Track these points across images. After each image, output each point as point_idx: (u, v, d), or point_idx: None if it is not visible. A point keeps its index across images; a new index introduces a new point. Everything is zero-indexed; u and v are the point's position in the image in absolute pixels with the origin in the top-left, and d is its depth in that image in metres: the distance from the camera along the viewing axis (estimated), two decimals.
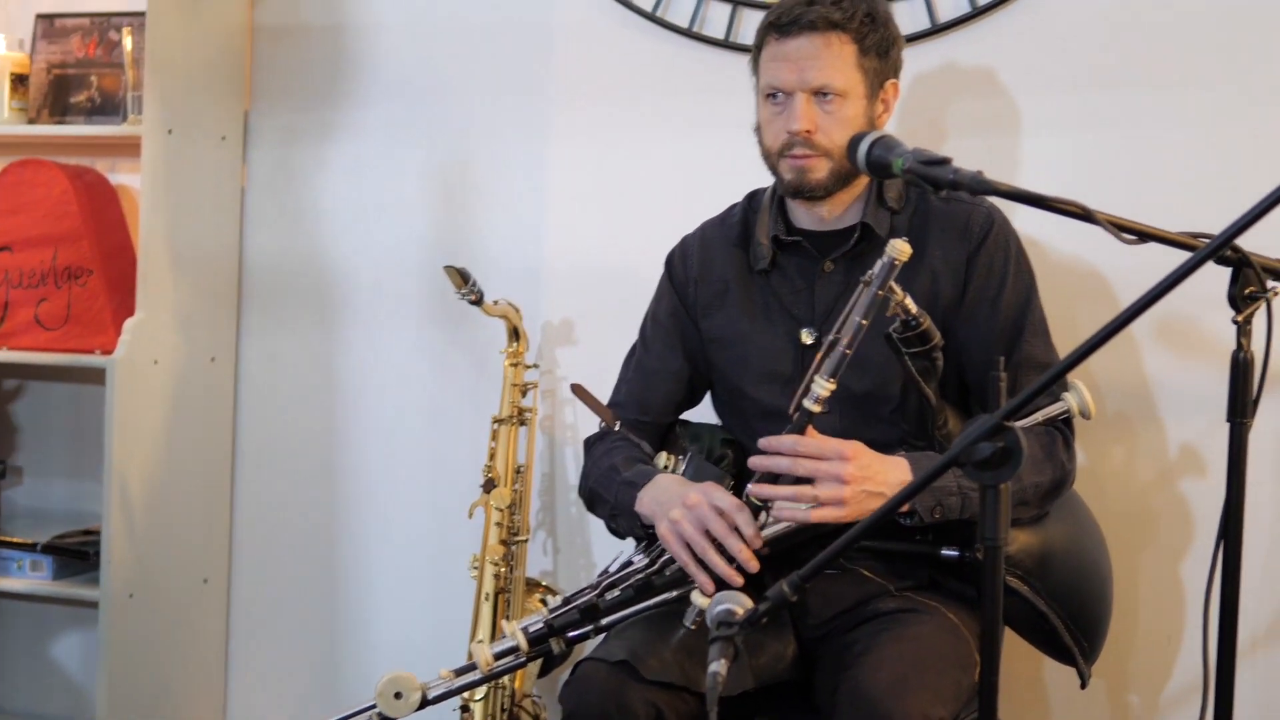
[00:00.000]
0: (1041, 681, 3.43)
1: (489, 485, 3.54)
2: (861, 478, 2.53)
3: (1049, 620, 2.73)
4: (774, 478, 2.58)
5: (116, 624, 3.77)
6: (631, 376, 3.14)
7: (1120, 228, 2.15)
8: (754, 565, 2.55)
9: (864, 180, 2.85)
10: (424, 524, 4.01)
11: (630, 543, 2.91)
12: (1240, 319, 2.28)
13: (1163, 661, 3.36)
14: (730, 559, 2.55)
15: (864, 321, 2.48)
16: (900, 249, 2.44)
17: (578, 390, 3.04)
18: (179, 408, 3.92)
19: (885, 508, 1.96)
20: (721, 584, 2.53)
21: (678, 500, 2.64)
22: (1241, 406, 2.29)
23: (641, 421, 3.07)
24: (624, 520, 2.85)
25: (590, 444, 3.12)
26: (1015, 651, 3.12)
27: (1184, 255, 1.88)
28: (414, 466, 4.02)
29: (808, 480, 2.54)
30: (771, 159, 2.84)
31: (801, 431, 2.56)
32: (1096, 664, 2.88)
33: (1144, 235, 2.21)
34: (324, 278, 4.06)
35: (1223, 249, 1.79)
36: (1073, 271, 3.33)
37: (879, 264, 2.46)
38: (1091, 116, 3.34)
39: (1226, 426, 2.29)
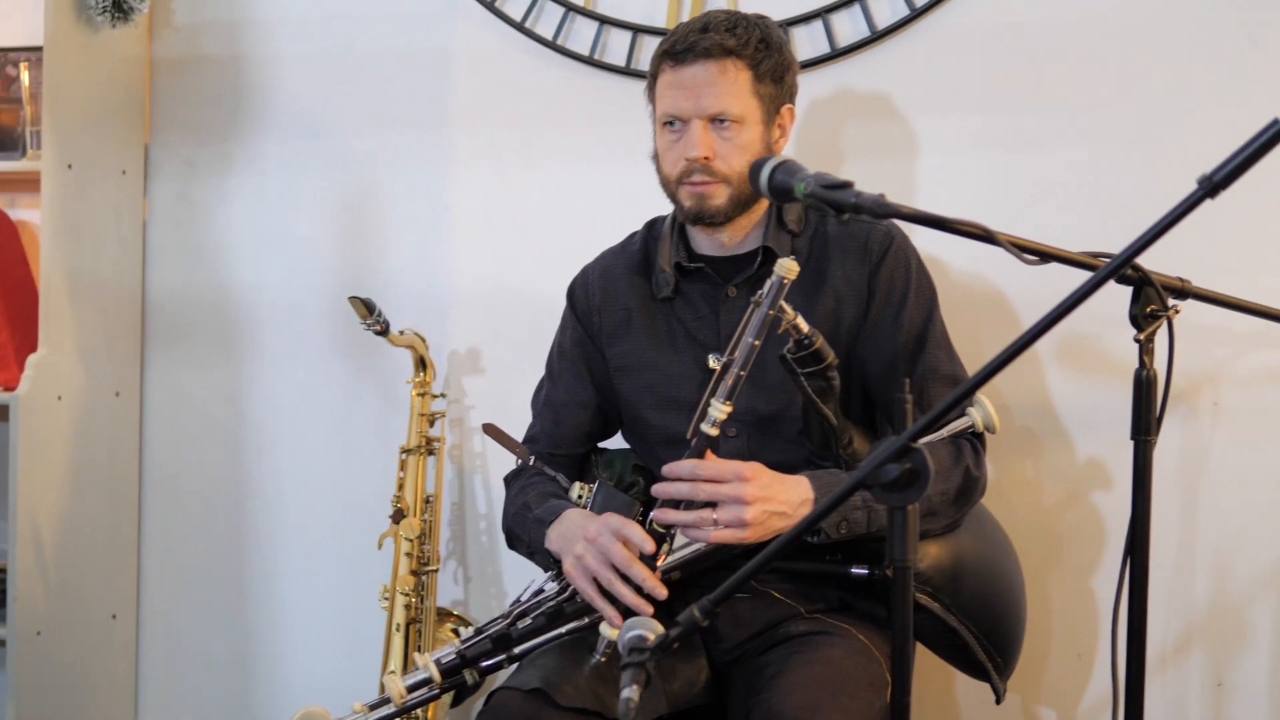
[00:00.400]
0: (955, 699, 3.44)
1: (398, 516, 3.53)
2: (762, 498, 2.52)
3: (961, 636, 2.73)
4: (677, 504, 2.58)
5: (24, 662, 3.71)
6: (542, 410, 3.13)
7: (1021, 248, 2.16)
8: (661, 591, 2.55)
9: (764, 205, 2.85)
10: (334, 556, 3.98)
11: (540, 570, 2.90)
12: (1142, 337, 2.31)
13: (1076, 676, 3.38)
14: (637, 588, 2.55)
15: (756, 342, 2.48)
16: (788, 268, 2.44)
17: (490, 429, 3.02)
18: (84, 443, 3.87)
19: (795, 530, 1.96)
20: (630, 614, 2.53)
21: (579, 535, 2.64)
22: (1145, 424, 2.32)
23: (555, 455, 3.07)
24: (540, 558, 2.86)
25: (508, 481, 3.11)
26: (928, 669, 3.14)
27: (1086, 275, 1.89)
28: (322, 498, 3.99)
29: (711, 504, 2.54)
30: (670, 186, 2.84)
31: (700, 456, 2.55)
32: (1011, 679, 2.89)
33: (1045, 255, 2.23)
34: (228, 310, 4.03)
35: (1123, 268, 1.80)
36: (975, 291, 3.35)
37: (768, 284, 2.47)
38: (987, 138, 3.37)
39: (1131, 443, 2.31)
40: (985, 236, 2.12)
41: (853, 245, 2.87)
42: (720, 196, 2.76)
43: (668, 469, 2.57)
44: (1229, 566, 3.25)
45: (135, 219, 4.04)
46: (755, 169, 2.39)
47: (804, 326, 2.51)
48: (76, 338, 3.81)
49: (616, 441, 3.18)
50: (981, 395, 2.69)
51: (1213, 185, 1.70)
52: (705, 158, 2.74)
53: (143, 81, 4.03)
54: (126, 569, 4.09)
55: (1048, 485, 3.37)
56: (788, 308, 2.47)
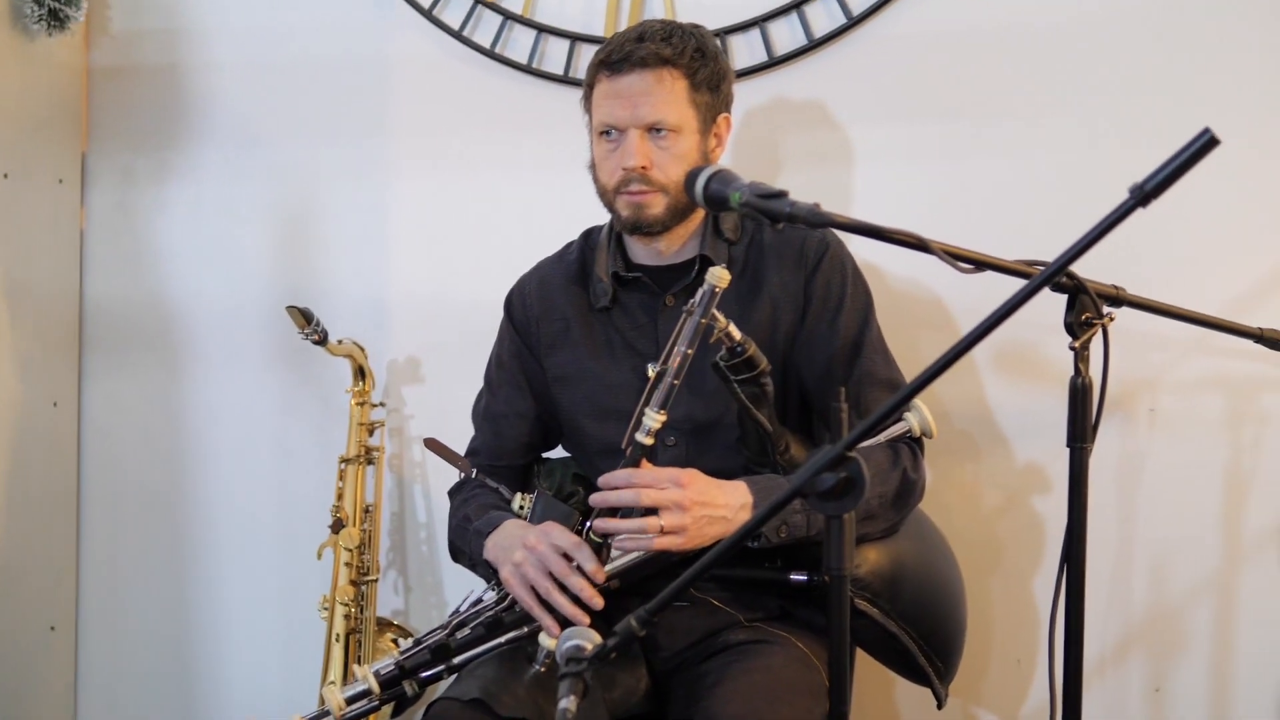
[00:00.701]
0: (895, 705, 3.45)
1: (337, 525, 3.52)
2: (700, 503, 2.52)
3: (900, 641, 2.73)
4: (614, 512, 2.58)
5: None
6: (482, 423, 3.13)
7: (956, 256, 2.17)
8: (598, 602, 2.55)
9: (700, 214, 2.86)
10: (273, 566, 3.96)
11: (481, 581, 2.90)
12: (1077, 345, 2.32)
13: (1016, 681, 3.40)
14: (575, 598, 2.55)
15: (689, 351, 2.49)
16: (720, 276, 2.46)
17: (431, 444, 3.01)
18: (21, 454, 3.84)
19: (733, 538, 1.95)
20: (567, 624, 2.52)
21: (518, 543, 2.63)
22: (1081, 431, 2.33)
23: (496, 466, 3.06)
24: (481, 569, 2.85)
25: (451, 494, 3.11)
26: (869, 675, 3.15)
27: (1020, 283, 1.90)
28: (261, 508, 3.97)
29: (649, 512, 2.54)
30: (608, 196, 2.84)
31: (636, 465, 2.55)
32: (951, 684, 2.90)
33: (980, 264, 2.24)
34: (166, 319, 4.00)
35: (1057, 276, 1.81)
36: (913, 299, 3.36)
37: (700, 292, 2.48)
38: (924, 147, 3.38)
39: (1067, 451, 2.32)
40: (919, 245, 2.12)
41: (788, 252, 2.88)
42: (658, 206, 2.76)
43: (603, 479, 2.57)
44: (1166, 572, 3.27)
45: (72, 228, 4.01)
46: (690, 178, 2.39)
47: (736, 334, 2.52)
48: (13, 348, 3.78)
49: (560, 451, 3.17)
50: (918, 401, 2.70)
51: (1144, 194, 1.70)
52: (642, 167, 2.74)
53: (79, 90, 4.00)
54: (65, 580, 4.06)
55: (986, 491, 3.38)
56: (720, 316, 2.48)
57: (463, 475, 3.02)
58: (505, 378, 3.09)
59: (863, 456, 1.80)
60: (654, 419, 2.51)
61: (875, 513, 2.66)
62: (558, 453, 3.18)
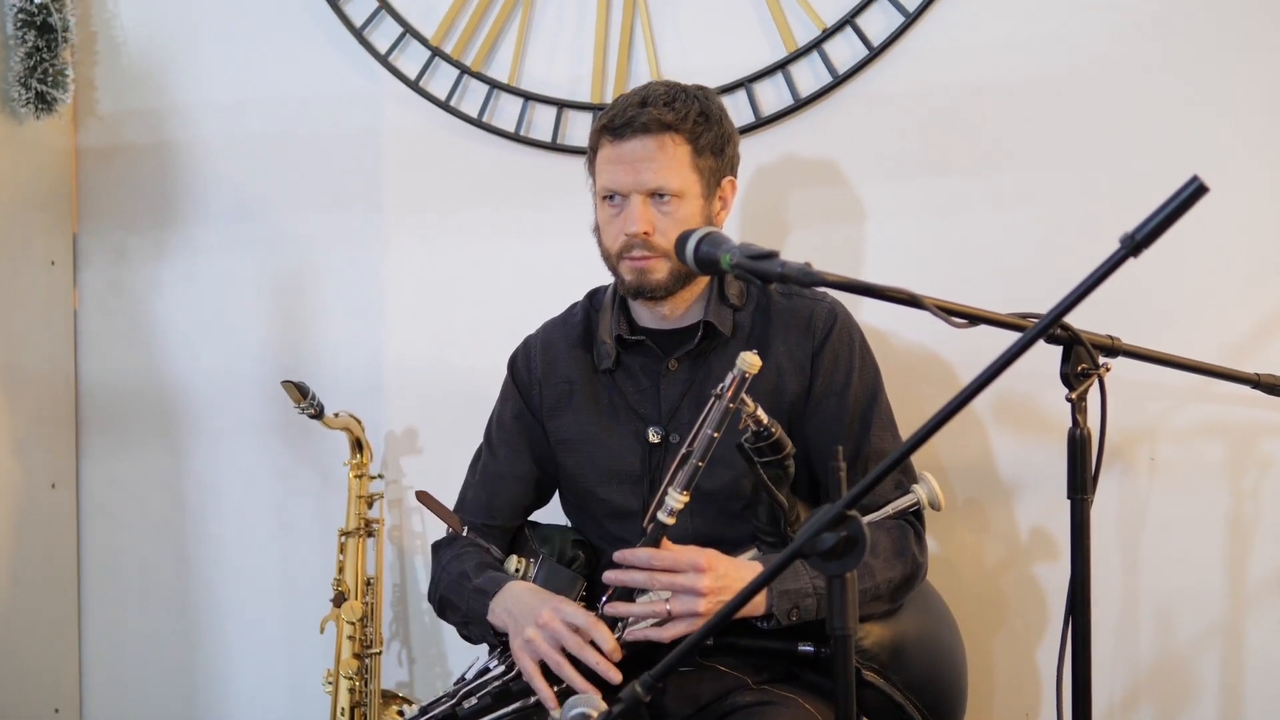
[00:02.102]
0: None
1: (339, 599, 3.51)
2: (719, 588, 2.51)
3: (906, 711, 2.71)
4: (629, 591, 2.57)
5: None
6: (478, 481, 3.11)
7: (950, 311, 2.16)
8: (615, 676, 2.52)
9: (705, 279, 2.85)
10: (276, 640, 3.95)
11: (484, 648, 2.88)
12: (1074, 396, 2.31)
13: None
14: (587, 672, 2.53)
15: (715, 435, 2.47)
16: (750, 362, 2.43)
17: (423, 497, 3.00)
18: (20, 536, 3.83)
19: (732, 604, 1.94)
20: (567, 694, 2.51)
21: (530, 618, 2.61)
22: (1081, 483, 2.32)
23: (489, 526, 3.05)
24: (476, 628, 2.82)
25: (438, 548, 3.08)
26: None
27: (1016, 336, 1.90)
28: (263, 583, 3.96)
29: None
30: (611, 260, 2.83)
31: (656, 544, 2.54)
32: None
33: (973, 318, 2.23)
34: (163, 397, 4.00)
35: (1051, 328, 1.80)
36: (918, 358, 3.36)
37: (730, 376, 2.46)
38: (915, 202, 3.38)
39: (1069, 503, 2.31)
40: (911, 301, 2.11)
41: (795, 321, 2.87)
42: (660, 271, 2.76)
43: (620, 555, 2.56)
44: (1172, 621, 3.25)
45: (66, 309, 4.02)
46: (681, 242, 2.38)
47: (764, 418, 2.50)
48: (10, 430, 3.78)
49: (545, 514, 3.16)
50: (927, 473, 2.70)
51: (1135, 243, 1.70)
52: (645, 233, 2.73)
53: (69, 171, 4.01)
54: (68, 662, 4.04)
55: (989, 551, 3.37)
56: (748, 400, 2.47)
57: (450, 531, 3.01)
58: (505, 438, 3.08)
59: (870, 538, 1.79)
60: (677, 499, 2.50)
61: (882, 595, 2.67)
62: (546, 516, 3.17)
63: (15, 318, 3.81)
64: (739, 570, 2.57)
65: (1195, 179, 1.65)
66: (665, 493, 2.52)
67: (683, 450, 2.52)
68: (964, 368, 3.33)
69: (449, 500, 3.08)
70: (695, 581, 2.50)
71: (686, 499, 2.50)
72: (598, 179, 2.85)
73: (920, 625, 2.79)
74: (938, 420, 1.74)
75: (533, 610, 2.63)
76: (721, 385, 2.47)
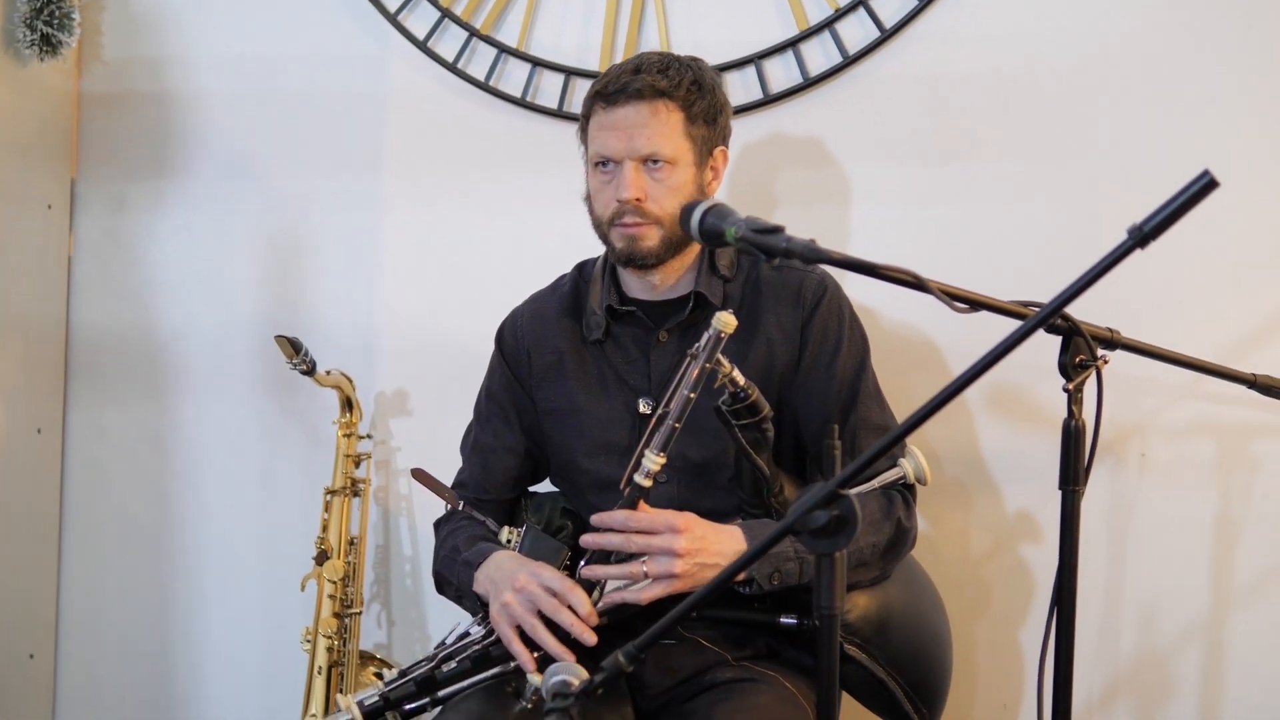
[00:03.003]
0: None
1: (322, 557, 3.50)
2: (695, 550, 2.51)
3: (888, 687, 2.71)
4: (607, 554, 2.56)
5: None
6: (470, 456, 3.10)
7: (953, 296, 2.16)
8: (590, 638, 2.52)
9: (696, 248, 2.84)
10: (256, 597, 3.94)
11: (465, 615, 2.88)
12: (1071, 387, 2.31)
13: None
14: (563, 635, 2.53)
15: (692, 395, 2.46)
16: (726, 321, 2.43)
17: (419, 474, 2.99)
18: (4, 480, 3.82)
19: (720, 577, 1.94)
20: (546, 661, 2.51)
21: (509, 583, 2.61)
22: (1074, 474, 2.32)
23: (483, 500, 3.04)
24: (468, 600, 2.83)
25: (438, 526, 3.09)
26: (852, 717, 3.12)
27: (1014, 324, 1.89)
28: (246, 539, 3.95)
29: (641, 555, 2.52)
30: (602, 228, 2.82)
31: (633, 506, 2.54)
32: None
33: (975, 304, 2.23)
34: (153, 348, 3.99)
35: (1053, 317, 1.79)
36: (906, 340, 3.36)
37: (705, 337, 2.45)
38: (918, 188, 3.38)
39: (1059, 492, 2.31)
40: (916, 283, 2.11)
41: (786, 293, 2.86)
42: (652, 238, 2.75)
43: (597, 519, 2.56)
44: (1156, 617, 3.25)
45: (60, 254, 4.00)
46: (686, 212, 2.36)
47: (740, 379, 2.49)
48: None
49: (547, 484, 3.15)
50: (913, 446, 2.69)
51: (1143, 235, 1.70)
52: (637, 199, 2.72)
53: (70, 116, 3.99)
54: (45, 608, 4.03)
55: (976, 534, 3.37)
56: (724, 360, 2.46)
57: (449, 508, 3.00)
58: (494, 410, 3.07)
59: (858, 503, 1.78)
60: (654, 461, 2.49)
61: (868, 560, 2.65)
62: (545, 486, 3.16)
63: (9, 260, 3.79)
64: (716, 534, 2.57)
65: (1206, 173, 1.64)
66: (642, 455, 2.51)
67: (659, 410, 2.52)
68: (955, 355, 3.33)
69: (443, 475, 3.07)
70: (671, 542, 2.50)
71: (663, 460, 2.50)
72: (590, 145, 2.85)
73: (906, 601, 2.79)
74: (937, 403, 1.73)
75: (511, 575, 2.63)
76: (697, 345, 2.47)
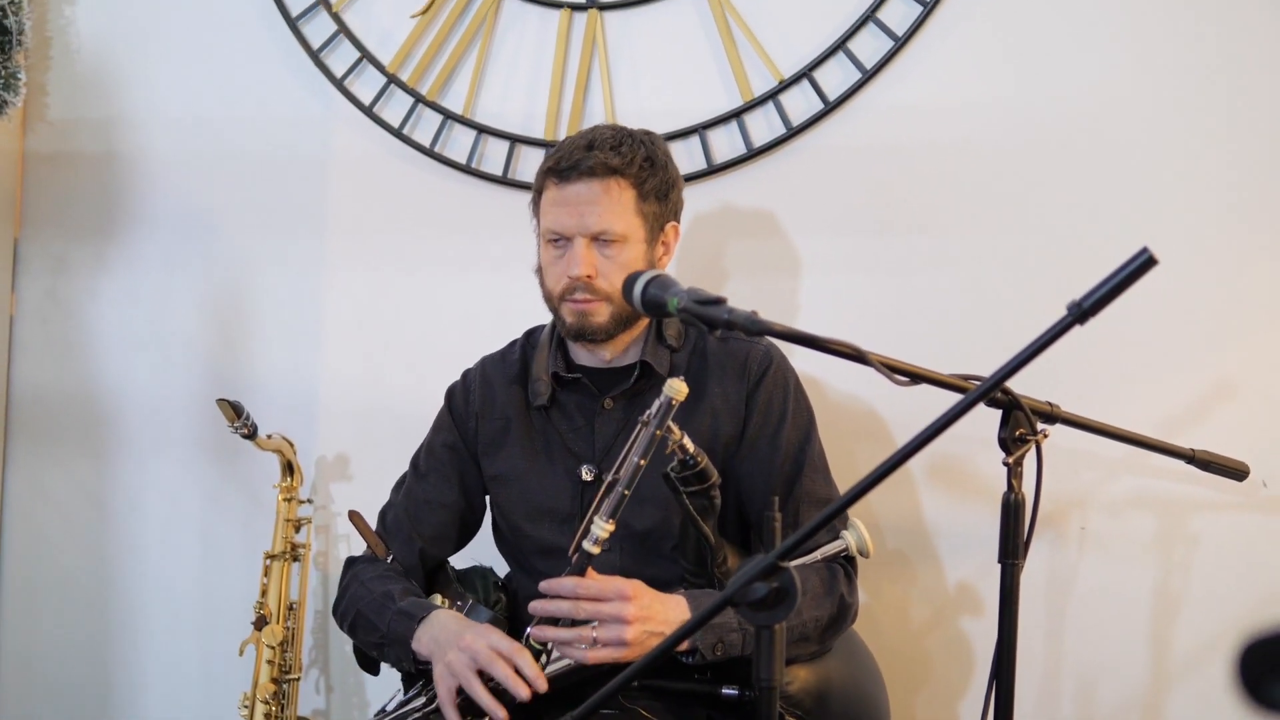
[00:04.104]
0: None
1: (260, 622, 3.47)
2: (643, 617, 2.50)
3: None
4: (554, 620, 2.55)
5: None
6: (401, 502, 3.07)
7: (893, 369, 2.16)
8: (523, 691, 2.48)
9: (644, 320, 2.85)
10: (194, 661, 3.91)
11: (398, 679, 2.86)
12: (1011, 461, 2.31)
13: None
14: (496, 689, 2.51)
15: (642, 461, 2.46)
16: (677, 389, 2.43)
17: (355, 517, 2.98)
18: None
19: (662, 646, 1.93)
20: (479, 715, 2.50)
21: (453, 641, 2.59)
22: (1013, 548, 2.32)
23: (407, 547, 3.01)
24: (394, 650, 2.76)
25: (354, 562, 3.04)
26: None
27: (957, 397, 1.90)
28: (184, 602, 3.92)
29: (589, 622, 2.51)
30: (553, 301, 2.83)
31: (581, 573, 2.52)
32: None
33: (916, 377, 2.23)
34: (94, 409, 3.97)
35: (993, 391, 1.81)
36: (851, 411, 3.36)
37: (656, 404, 2.45)
38: (864, 258, 3.39)
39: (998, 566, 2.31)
40: (856, 356, 2.12)
41: (731, 363, 2.87)
42: (602, 314, 2.76)
43: (546, 585, 2.54)
44: (1094, 692, 3.26)
45: (2, 314, 3.98)
46: (629, 283, 2.37)
47: (690, 446, 2.49)
48: None
49: (467, 555, 3.14)
50: (856, 519, 2.70)
51: (1082, 312, 1.71)
52: (588, 276, 2.73)
53: (14, 176, 3.98)
54: None
55: (916, 606, 3.37)
56: (675, 428, 2.46)
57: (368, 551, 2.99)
58: (435, 465, 3.05)
59: (800, 578, 1.78)
60: (603, 528, 2.47)
61: (810, 635, 2.64)
62: (464, 561, 3.15)
63: None
64: (663, 603, 2.55)
65: (1145, 250, 1.66)
66: (591, 522, 2.50)
67: (609, 478, 2.51)
68: (901, 428, 3.34)
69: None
70: (620, 610, 2.49)
71: (612, 528, 2.48)
72: (542, 220, 2.85)
73: (846, 674, 2.78)
74: (875, 476, 1.73)
75: (457, 635, 2.60)
76: (648, 412, 2.46)
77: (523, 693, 2.50)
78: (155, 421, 3.92)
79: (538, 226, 2.89)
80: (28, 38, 3.76)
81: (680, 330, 2.90)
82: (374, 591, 2.88)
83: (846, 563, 2.76)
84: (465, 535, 3.11)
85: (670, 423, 2.45)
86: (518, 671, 2.51)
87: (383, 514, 3.09)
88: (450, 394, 3.10)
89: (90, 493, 3.99)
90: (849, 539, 2.70)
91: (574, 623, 2.53)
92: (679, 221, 2.92)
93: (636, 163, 2.77)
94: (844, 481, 2.90)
